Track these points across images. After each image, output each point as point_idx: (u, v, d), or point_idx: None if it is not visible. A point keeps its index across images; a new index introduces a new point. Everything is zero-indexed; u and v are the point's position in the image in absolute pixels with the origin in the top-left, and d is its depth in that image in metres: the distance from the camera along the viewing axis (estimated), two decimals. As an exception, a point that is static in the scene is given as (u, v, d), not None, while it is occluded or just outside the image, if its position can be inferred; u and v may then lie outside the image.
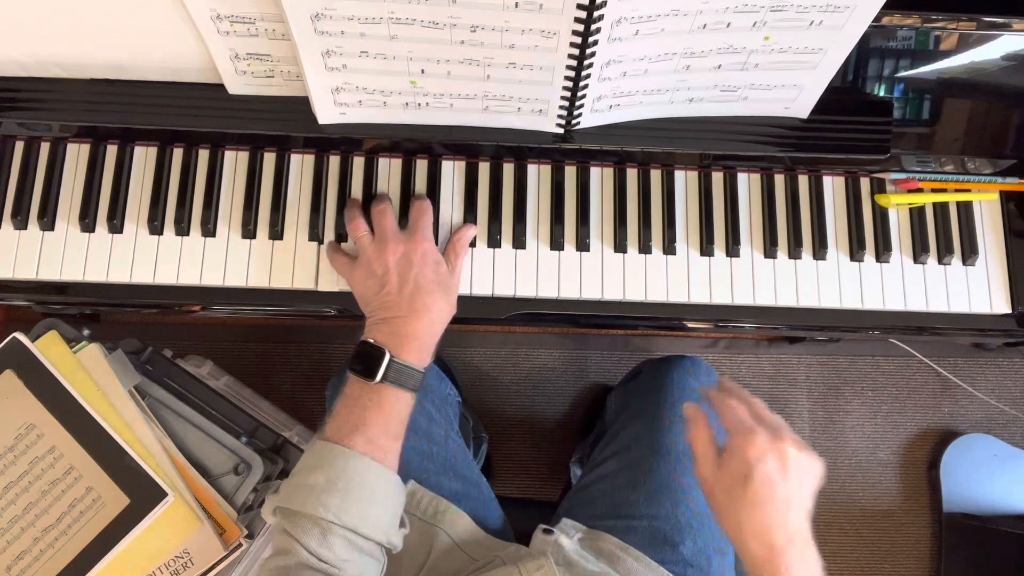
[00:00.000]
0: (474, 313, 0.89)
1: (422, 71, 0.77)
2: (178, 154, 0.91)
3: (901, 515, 1.60)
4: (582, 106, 0.81)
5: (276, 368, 1.59)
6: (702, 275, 0.90)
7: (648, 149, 0.89)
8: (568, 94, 0.79)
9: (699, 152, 0.90)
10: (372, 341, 0.78)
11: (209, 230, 0.89)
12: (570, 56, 0.73)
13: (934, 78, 0.85)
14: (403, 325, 0.79)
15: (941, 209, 0.93)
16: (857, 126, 0.87)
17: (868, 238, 0.92)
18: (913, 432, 1.63)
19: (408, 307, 0.80)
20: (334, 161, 0.91)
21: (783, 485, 0.67)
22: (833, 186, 0.94)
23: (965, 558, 1.55)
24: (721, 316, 0.91)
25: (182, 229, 0.89)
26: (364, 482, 0.73)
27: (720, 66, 0.78)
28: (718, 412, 0.73)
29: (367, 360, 0.77)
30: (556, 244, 0.90)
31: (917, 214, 0.93)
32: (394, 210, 0.87)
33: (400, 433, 0.78)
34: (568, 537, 0.88)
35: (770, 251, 0.91)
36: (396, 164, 0.92)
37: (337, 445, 0.74)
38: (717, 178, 0.93)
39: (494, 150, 0.91)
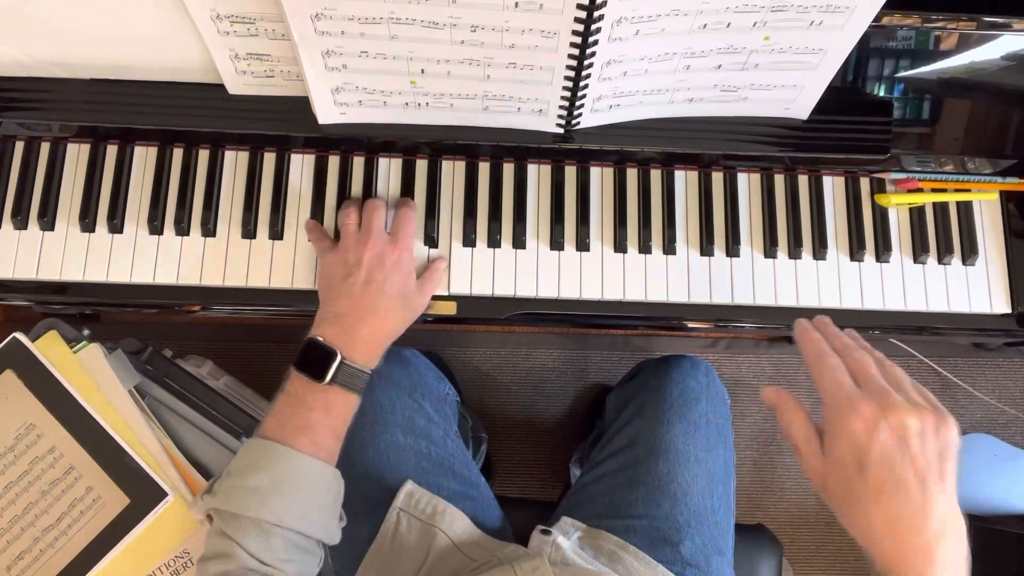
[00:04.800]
0: (474, 313, 0.89)
1: (422, 71, 0.77)
2: (178, 154, 0.91)
3: (901, 515, 1.60)
4: (582, 106, 0.81)
5: (276, 368, 1.57)
6: (702, 275, 0.90)
7: (648, 149, 0.89)
8: (568, 94, 0.79)
9: (699, 152, 0.90)
10: (321, 340, 0.77)
11: (209, 230, 0.89)
12: (570, 56, 0.73)
13: (934, 78, 0.85)
14: (355, 325, 0.78)
15: (941, 209, 0.93)
16: (857, 126, 0.87)
17: (868, 238, 0.92)
18: (913, 432, 1.62)
19: (365, 307, 0.79)
20: (334, 161, 0.91)
21: (908, 464, 0.55)
22: (833, 186, 0.94)
23: (965, 558, 1.55)
24: (721, 316, 0.91)
25: (182, 229, 0.89)
26: (310, 483, 0.72)
27: (720, 66, 0.78)
28: (812, 371, 0.62)
29: (316, 360, 0.75)
30: (556, 244, 0.90)
31: (917, 214, 0.93)
32: (386, 211, 0.87)
33: (343, 433, 0.77)
34: (567, 537, 0.88)
35: (770, 251, 0.91)
36: (396, 164, 0.92)
37: (280, 445, 0.72)
38: (717, 178, 0.93)
39: (494, 150, 0.91)
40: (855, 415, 0.56)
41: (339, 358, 0.75)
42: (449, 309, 0.89)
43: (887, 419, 0.55)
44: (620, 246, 0.90)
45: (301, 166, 0.91)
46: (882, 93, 0.86)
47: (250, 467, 0.72)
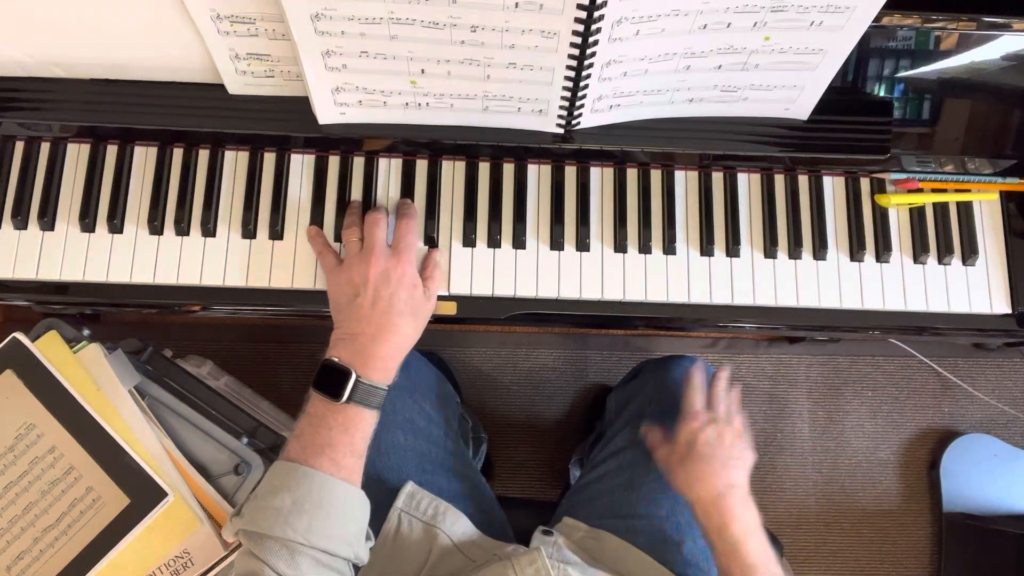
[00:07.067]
0: (474, 313, 0.89)
1: (422, 71, 0.77)
2: (178, 154, 0.91)
3: (901, 515, 1.60)
4: (582, 106, 0.81)
5: (276, 368, 1.59)
6: (702, 275, 0.90)
7: (648, 149, 0.89)
8: (568, 94, 0.79)
9: (699, 152, 0.90)
10: (337, 360, 0.78)
11: (209, 230, 0.89)
12: (570, 56, 0.73)
13: (934, 78, 0.85)
14: (369, 344, 0.79)
15: (941, 209, 0.93)
16: (857, 126, 0.87)
17: (868, 238, 0.92)
18: (913, 432, 1.63)
19: (376, 325, 0.79)
20: (334, 161, 0.91)
21: (720, 448, 0.85)
22: (833, 186, 0.94)
23: (965, 558, 1.55)
24: (721, 316, 0.91)
25: (182, 229, 0.89)
26: (332, 502, 0.73)
27: (720, 66, 0.78)
28: (683, 397, 0.91)
29: (332, 380, 0.77)
30: (556, 244, 0.90)
31: (917, 214, 0.93)
32: (387, 222, 0.87)
33: (364, 451, 0.78)
34: (568, 537, 0.88)
35: (770, 251, 0.91)
36: (396, 164, 0.92)
37: (302, 466, 0.74)
38: (717, 178, 0.93)
39: (494, 150, 0.91)
40: (695, 418, 0.88)
41: (354, 377, 0.76)
42: (449, 309, 0.89)
43: (712, 424, 0.87)
44: (620, 246, 0.90)
45: (301, 166, 0.91)
46: (882, 93, 0.86)
47: (274, 488, 0.73)
